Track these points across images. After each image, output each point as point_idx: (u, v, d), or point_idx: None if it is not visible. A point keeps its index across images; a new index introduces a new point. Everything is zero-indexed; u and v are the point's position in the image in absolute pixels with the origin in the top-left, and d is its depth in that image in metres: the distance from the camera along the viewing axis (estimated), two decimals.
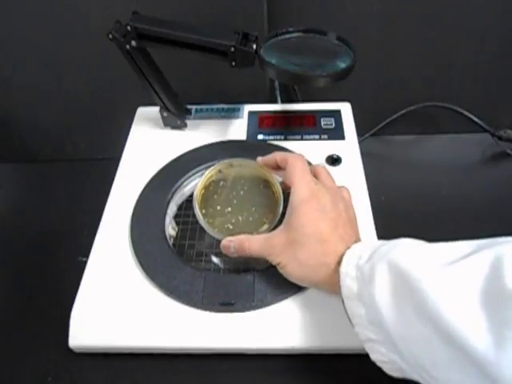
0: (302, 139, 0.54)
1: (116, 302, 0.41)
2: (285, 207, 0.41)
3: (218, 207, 0.45)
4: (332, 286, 0.36)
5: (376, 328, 0.31)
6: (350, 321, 0.34)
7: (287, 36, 0.48)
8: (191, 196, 0.51)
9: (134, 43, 0.46)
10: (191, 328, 0.39)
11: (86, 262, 0.44)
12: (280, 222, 0.40)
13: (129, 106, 0.59)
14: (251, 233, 0.42)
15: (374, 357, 0.33)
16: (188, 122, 0.56)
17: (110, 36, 0.46)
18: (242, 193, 0.46)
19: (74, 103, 0.63)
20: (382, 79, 0.62)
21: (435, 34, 0.58)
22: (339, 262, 0.35)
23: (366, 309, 0.32)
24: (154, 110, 0.56)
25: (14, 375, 0.41)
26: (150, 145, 0.55)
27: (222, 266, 0.45)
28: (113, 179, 0.51)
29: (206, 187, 0.47)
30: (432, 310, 0.27)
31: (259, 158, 0.46)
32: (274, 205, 0.45)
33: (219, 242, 0.42)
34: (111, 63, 0.55)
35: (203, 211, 0.45)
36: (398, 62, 0.61)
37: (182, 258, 0.44)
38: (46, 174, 0.63)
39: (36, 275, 0.49)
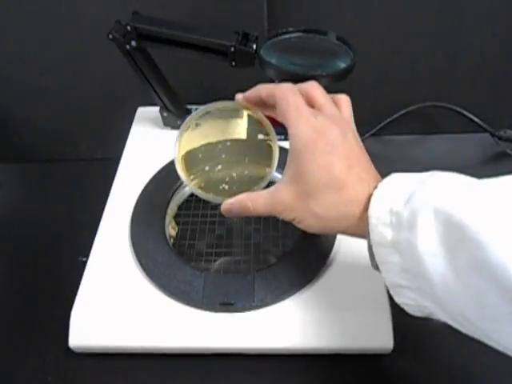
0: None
1: (116, 302, 0.41)
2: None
3: (206, 167, 0.39)
4: (357, 232, 0.32)
5: (410, 275, 0.29)
6: (376, 266, 0.31)
7: (287, 36, 0.48)
8: (191, 196, 0.51)
9: (133, 43, 0.46)
10: (191, 328, 0.39)
11: (85, 262, 0.44)
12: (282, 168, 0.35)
13: (129, 106, 0.59)
14: (251, 189, 0.37)
15: (399, 300, 0.31)
16: None
17: (110, 36, 0.46)
18: (228, 143, 0.40)
19: (74, 103, 0.63)
20: (382, 79, 0.62)
21: (435, 34, 0.58)
22: (365, 208, 0.31)
23: (401, 256, 0.29)
24: (154, 110, 0.56)
25: (14, 375, 0.41)
26: (150, 145, 0.55)
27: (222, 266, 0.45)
28: (113, 179, 0.51)
29: (186, 147, 0.40)
30: (495, 264, 0.24)
31: (239, 95, 0.38)
32: (269, 150, 0.38)
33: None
34: (111, 63, 0.55)
35: (191, 177, 0.39)
36: (398, 62, 0.61)
37: (181, 258, 0.44)
38: (46, 174, 0.63)
39: (36, 275, 0.49)
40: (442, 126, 0.65)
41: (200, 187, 0.38)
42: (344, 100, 0.37)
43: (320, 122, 0.33)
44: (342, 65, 0.44)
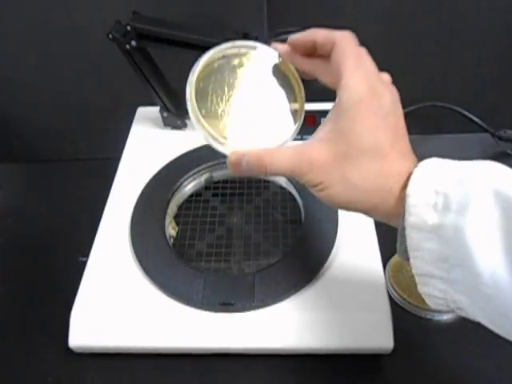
0: (301, 139, 0.53)
1: (116, 302, 0.41)
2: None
3: (219, 109, 0.34)
4: (387, 211, 0.29)
5: (447, 265, 0.26)
6: (404, 251, 0.28)
7: (287, 36, 0.48)
8: (191, 196, 0.51)
9: (134, 43, 0.46)
10: (191, 328, 0.39)
11: (85, 262, 0.44)
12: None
13: (129, 106, 0.59)
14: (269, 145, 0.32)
15: (423, 290, 0.28)
16: (188, 122, 0.56)
17: (110, 36, 0.46)
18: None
19: (74, 103, 0.63)
20: None
21: (435, 34, 0.58)
22: (404, 185, 0.28)
23: (441, 243, 0.26)
24: (154, 110, 0.56)
25: (14, 375, 0.41)
26: (150, 145, 0.55)
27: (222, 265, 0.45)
28: (113, 179, 0.51)
29: (202, 78, 0.35)
30: None
31: (280, 46, 0.33)
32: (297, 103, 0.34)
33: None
34: (111, 63, 0.55)
35: (202, 111, 0.34)
36: (398, 62, 0.61)
37: (181, 258, 0.44)
38: (45, 174, 0.63)
39: (36, 275, 0.49)
40: (442, 125, 0.65)
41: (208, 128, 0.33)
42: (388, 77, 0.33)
43: (378, 82, 0.29)
44: None
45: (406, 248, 0.28)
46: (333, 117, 0.30)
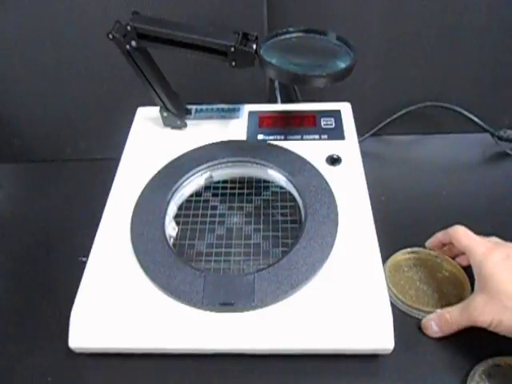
0: (301, 139, 0.54)
1: (116, 302, 0.41)
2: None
3: (406, 286, 0.45)
4: None
5: None
6: None
7: (287, 36, 0.48)
8: (191, 196, 0.51)
9: (134, 43, 0.46)
10: (191, 328, 0.39)
11: (85, 262, 0.44)
12: None
13: (129, 106, 0.59)
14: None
15: None
16: (188, 122, 0.56)
17: (110, 36, 0.46)
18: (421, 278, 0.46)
19: (74, 103, 0.63)
20: (382, 79, 0.62)
21: (435, 34, 0.58)
22: None
23: None
24: (154, 110, 0.56)
25: (14, 375, 0.41)
26: (150, 145, 0.55)
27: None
28: (113, 179, 0.51)
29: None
30: None
31: (427, 243, 0.48)
32: (459, 288, 0.44)
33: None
34: (111, 63, 0.55)
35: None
36: (398, 62, 0.61)
37: (181, 258, 0.44)
38: (46, 174, 0.63)
39: (36, 275, 0.49)
40: (442, 126, 0.65)
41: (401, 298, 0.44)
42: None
43: (490, 242, 0.41)
44: (342, 65, 0.44)
45: None
46: (476, 276, 0.40)
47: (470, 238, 0.42)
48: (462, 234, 0.43)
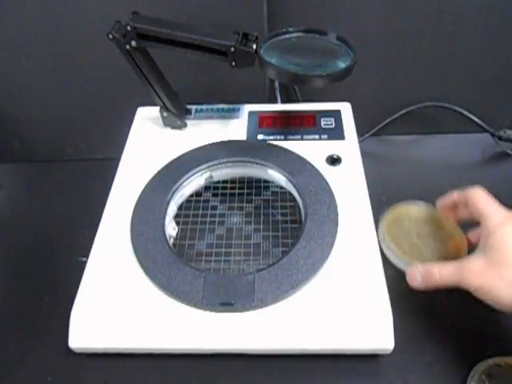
0: (301, 139, 0.54)
1: (116, 302, 0.41)
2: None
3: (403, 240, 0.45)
4: None
5: None
6: None
7: (287, 36, 0.48)
8: (191, 196, 0.51)
9: (134, 43, 0.46)
10: (191, 328, 0.39)
11: (85, 262, 0.44)
12: None
13: (129, 106, 0.59)
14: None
15: None
16: (188, 122, 0.56)
17: (110, 36, 0.46)
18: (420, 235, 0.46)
19: (74, 103, 0.63)
20: (382, 79, 0.62)
21: (435, 34, 0.58)
22: None
23: None
24: (154, 110, 0.56)
25: (14, 375, 0.41)
26: (150, 145, 0.55)
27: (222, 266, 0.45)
28: (113, 179, 0.51)
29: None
30: None
31: (439, 200, 0.46)
32: (454, 251, 0.44)
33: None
34: (111, 63, 0.55)
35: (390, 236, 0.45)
36: (398, 62, 0.61)
37: (181, 258, 0.44)
38: (46, 174, 0.63)
39: (36, 275, 0.49)
40: (442, 125, 0.65)
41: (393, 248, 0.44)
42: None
43: (508, 212, 0.39)
44: (342, 65, 0.44)
45: None
46: (482, 240, 0.38)
47: (489, 203, 0.40)
48: (480, 198, 0.40)
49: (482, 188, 0.41)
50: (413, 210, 0.48)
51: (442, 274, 0.38)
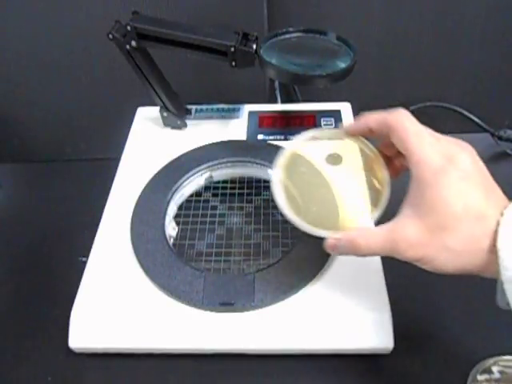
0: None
1: (116, 302, 0.41)
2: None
3: (301, 197, 0.36)
4: (486, 269, 0.28)
5: None
6: (506, 304, 0.28)
7: (287, 36, 0.48)
8: (191, 196, 0.51)
9: (134, 43, 0.46)
10: (191, 328, 0.39)
11: (85, 262, 0.44)
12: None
13: (129, 106, 0.59)
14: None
15: None
16: (188, 122, 0.56)
17: (110, 36, 0.46)
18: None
19: (74, 103, 0.63)
20: (382, 79, 0.62)
21: (435, 34, 0.58)
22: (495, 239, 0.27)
23: None
24: (154, 110, 0.56)
25: (14, 375, 0.41)
26: (150, 145, 0.55)
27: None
28: (113, 179, 0.51)
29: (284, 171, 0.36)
30: None
31: (343, 127, 0.36)
32: (378, 183, 0.35)
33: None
34: (111, 63, 0.55)
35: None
36: (398, 62, 0.61)
37: (181, 258, 0.44)
38: (45, 174, 0.63)
39: (36, 275, 0.49)
40: (442, 125, 0.64)
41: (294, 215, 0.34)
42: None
43: (446, 147, 0.30)
44: (342, 65, 0.44)
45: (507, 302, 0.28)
46: (414, 193, 0.30)
47: (421, 136, 0.30)
48: (408, 129, 0.31)
49: (406, 111, 0.32)
50: (308, 148, 0.37)
51: (370, 245, 0.30)
